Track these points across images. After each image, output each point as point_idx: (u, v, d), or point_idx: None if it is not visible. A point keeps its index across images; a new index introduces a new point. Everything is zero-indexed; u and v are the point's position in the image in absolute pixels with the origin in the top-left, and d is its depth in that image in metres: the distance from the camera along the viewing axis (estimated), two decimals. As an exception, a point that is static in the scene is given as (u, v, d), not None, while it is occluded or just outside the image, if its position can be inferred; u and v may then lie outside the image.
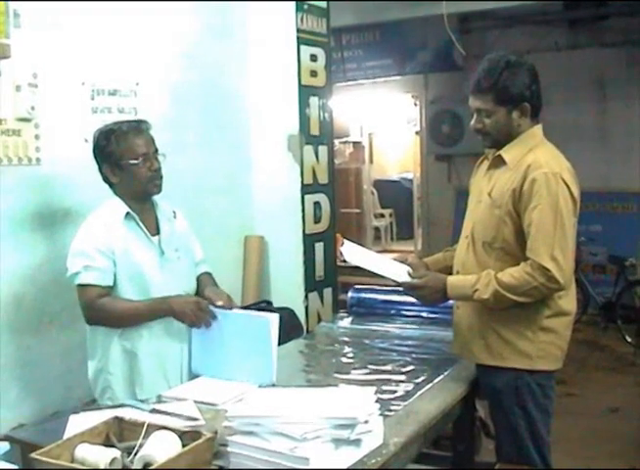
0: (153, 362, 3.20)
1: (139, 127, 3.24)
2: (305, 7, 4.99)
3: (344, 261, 3.47)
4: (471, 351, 3.17)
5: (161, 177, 3.26)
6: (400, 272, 3.25)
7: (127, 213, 3.19)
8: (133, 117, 3.86)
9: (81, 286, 3.13)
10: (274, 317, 3.10)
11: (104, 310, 3.13)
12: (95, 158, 3.25)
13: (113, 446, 2.30)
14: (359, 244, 3.59)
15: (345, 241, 3.53)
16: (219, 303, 3.17)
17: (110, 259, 3.12)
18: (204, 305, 3.14)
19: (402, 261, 3.33)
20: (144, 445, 2.23)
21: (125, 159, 3.16)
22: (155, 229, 3.29)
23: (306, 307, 5.01)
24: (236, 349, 3.13)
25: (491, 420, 3.25)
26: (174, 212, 3.40)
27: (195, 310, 3.12)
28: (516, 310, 2.97)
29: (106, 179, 3.26)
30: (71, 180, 3.79)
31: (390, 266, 3.31)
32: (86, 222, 3.23)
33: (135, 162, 3.16)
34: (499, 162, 3.10)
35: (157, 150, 3.26)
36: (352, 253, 3.45)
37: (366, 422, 2.31)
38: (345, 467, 2.26)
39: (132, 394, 3.17)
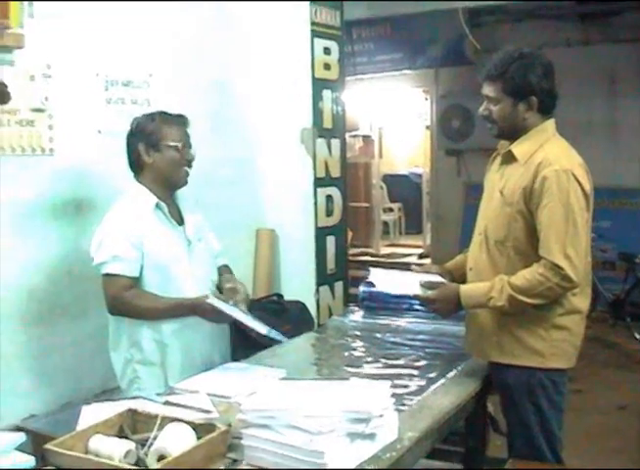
0: (183, 352, 3.20)
1: (182, 120, 3.29)
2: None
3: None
4: (482, 348, 3.15)
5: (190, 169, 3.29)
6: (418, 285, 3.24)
7: (157, 203, 3.19)
8: (147, 109, 3.86)
9: (108, 276, 3.11)
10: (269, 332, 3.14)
11: (129, 304, 3.11)
12: (130, 139, 3.24)
13: (126, 437, 2.30)
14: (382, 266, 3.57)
15: (372, 268, 3.53)
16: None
17: (138, 250, 3.10)
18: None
19: (427, 273, 3.33)
20: (158, 437, 2.22)
21: (165, 140, 3.18)
22: (179, 219, 3.29)
23: (317, 301, 5.02)
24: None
25: (503, 416, 3.22)
26: (196, 202, 3.42)
27: (214, 315, 3.11)
28: (528, 308, 2.95)
29: (136, 161, 3.23)
30: (85, 171, 3.79)
31: (414, 281, 3.28)
32: (113, 211, 3.20)
33: (175, 144, 3.18)
34: (510, 157, 3.07)
35: (191, 145, 3.27)
36: (380, 279, 3.48)
37: (381, 416, 2.30)
38: (360, 461, 2.25)
39: (164, 384, 3.15)
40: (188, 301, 3.14)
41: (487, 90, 3.07)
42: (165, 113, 3.28)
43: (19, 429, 3.50)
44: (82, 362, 3.79)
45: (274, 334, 3.13)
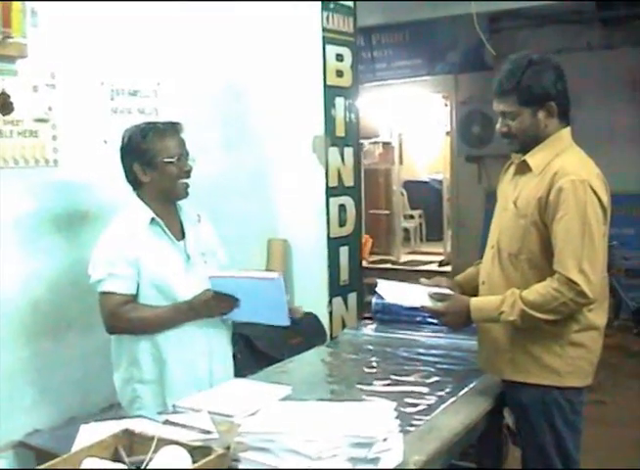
0: (182, 369, 3.13)
1: (175, 128, 3.20)
2: (332, 6, 4.92)
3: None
4: (495, 365, 3.06)
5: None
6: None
7: (152, 219, 3.12)
8: (154, 118, 3.80)
9: (104, 294, 3.07)
10: (280, 277, 3.00)
11: (127, 319, 3.06)
12: (124, 156, 3.17)
13: (121, 460, 2.22)
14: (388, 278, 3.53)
15: (379, 281, 3.46)
16: None
17: (134, 267, 3.05)
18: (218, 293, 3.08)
19: (436, 286, 3.24)
20: (153, 459, 2.15)
21: (161, 157, 3.10)
22: (180, 233, 3.22)
23: (330, 313, 4.95)
24: (250, 303, 3.08)
25: (517, 435, 3.13)
26: (199, 216, 3.33)
27: (217, 302, 3.06)
28: (543, 325, 2.84)
29: (134, 180, 3.18)
30: (90, 182, 3.74)
31: (423, 293, 3.20)
32: (109, 228, 3.15)
33: (171, 160, 3.10)
34: (525, 167, 2.98)
35: (187, 153, 3.20)
36: (388, 291, 3.44)
37: (385, 440, 2.21)
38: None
39: (162, 403, 3.08)
40: (187, 304, 3.09)
41: (502, 106, 2.96)
42: (156, 124, 3.20)
43: (21, 444, 3.46)
44: (89, 376, 3.73)
45: (280, 283, 2.97)
